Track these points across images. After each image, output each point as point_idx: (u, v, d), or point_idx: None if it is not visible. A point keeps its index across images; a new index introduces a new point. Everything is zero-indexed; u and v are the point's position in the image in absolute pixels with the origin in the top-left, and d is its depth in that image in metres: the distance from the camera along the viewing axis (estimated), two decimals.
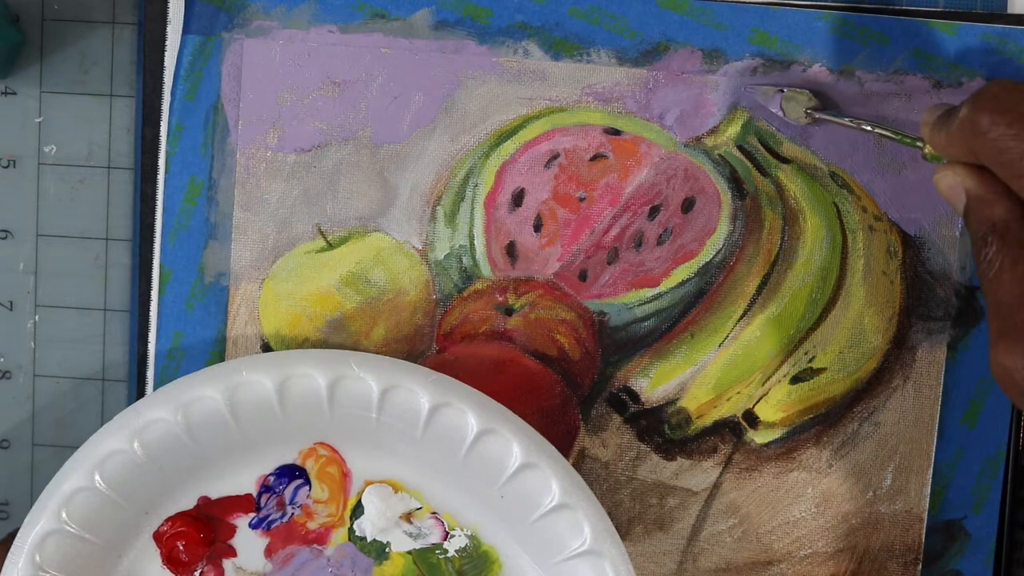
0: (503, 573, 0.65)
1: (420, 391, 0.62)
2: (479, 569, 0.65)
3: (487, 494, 0.63)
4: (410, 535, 0.65)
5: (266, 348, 0.66)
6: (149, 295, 0.67)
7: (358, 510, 0.65)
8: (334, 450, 0.65)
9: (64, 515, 0.62)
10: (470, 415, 0.62)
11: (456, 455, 0.63)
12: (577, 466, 0.66)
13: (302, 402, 0.63)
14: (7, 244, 0.68)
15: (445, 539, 0.65)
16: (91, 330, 0.68)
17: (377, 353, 0.65)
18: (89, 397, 0.68)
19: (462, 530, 0.65)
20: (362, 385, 0.62)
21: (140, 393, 0.67)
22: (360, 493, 0.65)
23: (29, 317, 0.69)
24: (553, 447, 0.62)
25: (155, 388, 0.67)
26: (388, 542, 0.65)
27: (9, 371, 0.69)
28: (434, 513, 0.65)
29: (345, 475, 0.65)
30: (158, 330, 0.66)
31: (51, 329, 0.69)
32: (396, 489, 0.65)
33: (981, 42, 0.64)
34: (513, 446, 0.62)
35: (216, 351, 0.66)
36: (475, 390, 0.62)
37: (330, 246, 0.66)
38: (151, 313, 0.67)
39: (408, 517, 0.65)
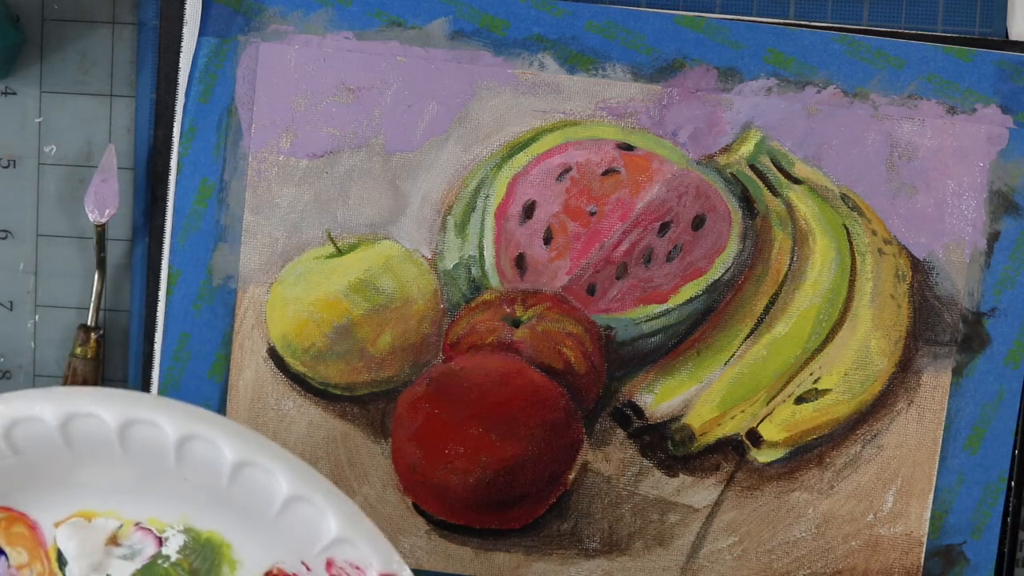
0: (234, 551, 0.58)
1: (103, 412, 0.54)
2: (209, 560, 0.58)
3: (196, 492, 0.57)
4: (125, 557, 0.58)
5: (272, 352, 0.66)
6: (157, 295, 0.66)
7: (63, 557, 0.59)
8: (10, 509, 0.58)
9: None
10: (167, 427, 0.54)
11: (161, 466, 0.55)
12: (579, 480, 0.66)
13: None
14: (7, 244, 0.68)
15: (161, 545, 0.58)
16: None
17: (383, 361, 0.66)
18: None
19: (173, 528, 0.58)
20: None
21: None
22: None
23: (29, 317, 0.68)
24: (269, 441, 0.54)
25: (160, 388, 0.66)
26: (108, 575, 0.59)
27: (9, 371, 0.68)
28: (138, 524, 0.58)
29: (33, 528, 0.58)
30: (165, 330, 0.66)
31: (51, 329, 0.68)
32: (89, 518, 0.58)
33: (996, 70, 0.64)
34: (223, 449, 0.53)
35: (222, 353, 0.66)
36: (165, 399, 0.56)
37: (339, 252, 0.66)
38: (158, 314, 0.66)
39: (114, 540, 0.58)
